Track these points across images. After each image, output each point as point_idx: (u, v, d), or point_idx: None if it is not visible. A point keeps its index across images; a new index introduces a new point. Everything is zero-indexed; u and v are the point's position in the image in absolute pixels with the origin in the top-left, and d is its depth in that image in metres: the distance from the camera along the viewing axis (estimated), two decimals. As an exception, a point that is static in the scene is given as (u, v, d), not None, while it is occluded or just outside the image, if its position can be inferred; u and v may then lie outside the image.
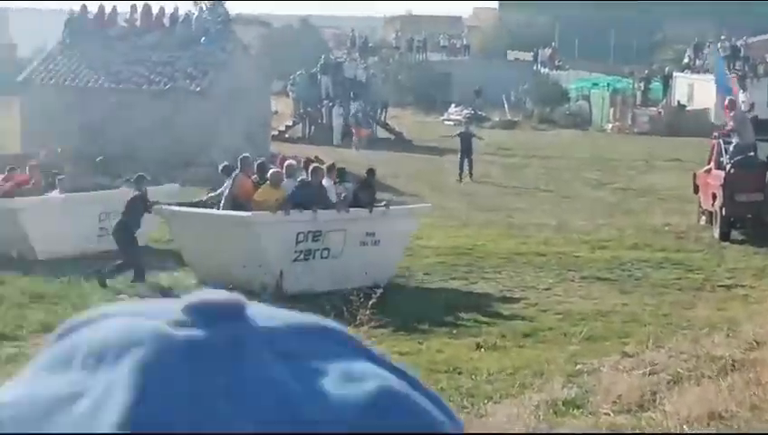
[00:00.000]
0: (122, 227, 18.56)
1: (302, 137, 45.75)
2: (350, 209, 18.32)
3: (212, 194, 19.19)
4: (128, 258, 18.36)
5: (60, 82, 36.40)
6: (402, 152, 41.45)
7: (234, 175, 18.50)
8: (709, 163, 24.99)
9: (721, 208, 23.22)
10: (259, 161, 19.12)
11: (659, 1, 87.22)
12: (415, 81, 61.64)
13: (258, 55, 48.92)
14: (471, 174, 34.37)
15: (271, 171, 18.40)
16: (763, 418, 9.94)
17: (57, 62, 37.10)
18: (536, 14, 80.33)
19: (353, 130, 43.89)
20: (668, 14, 76.53)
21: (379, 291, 12.29)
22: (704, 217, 25.15)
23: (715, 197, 23.70)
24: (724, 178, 23.14)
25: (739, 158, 23.43)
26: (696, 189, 25.76)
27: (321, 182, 18.26)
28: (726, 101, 25.66)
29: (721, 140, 24.66)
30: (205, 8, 40.46)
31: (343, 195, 18.54)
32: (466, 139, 35.12)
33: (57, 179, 21.14)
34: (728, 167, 23.38)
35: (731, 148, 23.84)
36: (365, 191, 19.11)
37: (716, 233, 23.44)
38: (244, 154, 19.41)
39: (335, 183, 18.79)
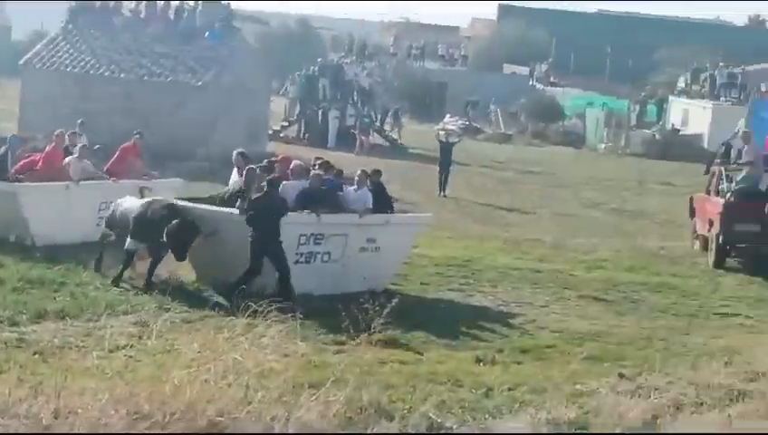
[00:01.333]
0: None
1: (297, 138, 45.74)
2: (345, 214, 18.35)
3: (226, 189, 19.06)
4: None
5: (61, 67, 36.35)
6: (396, 159, 41.42)
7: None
8: (709, 189, 25.11)
9: (718, 236, 23.34)
10: (263, 163, 19.04)
11: (655, 22, 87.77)
12: (411, 88, 61.67)
13: (259, 53, 48.73)
14: (445, 190, 33.62)
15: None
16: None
17: (60, 48, 37.04)
18: (534, 27, 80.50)
19: (356, 135, 43.86)
20: (664, 36, 76.79)
21: (395, 300, 12.29)
22: (698, 242, 25.26)
23: (712, 223, 23.85)
24: (724, 207, 23.28)
25: (741, 187, 23.55)
26: (693, 213, 25.94)
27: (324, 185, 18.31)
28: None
29: (723, 168, 24.74)
30: (208, 3, 40.43)
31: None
32: (446, 151, 34.75)
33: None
34: (729, 195, 23.53)
35: (738, 177, 23.93)
36: (379, 194, 19.13)
37: (711, 260, 23.58)
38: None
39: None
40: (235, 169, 19.07)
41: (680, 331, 17.18)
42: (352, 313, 12.78)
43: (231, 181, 19.06)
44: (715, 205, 23.98)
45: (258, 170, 18.24)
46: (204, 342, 10.84)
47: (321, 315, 15.51)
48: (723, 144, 26.33)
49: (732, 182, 23.89)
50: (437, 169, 34.43)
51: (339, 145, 43.27)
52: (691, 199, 26.27)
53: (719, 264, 23.27)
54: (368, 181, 18.98)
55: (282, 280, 16.87)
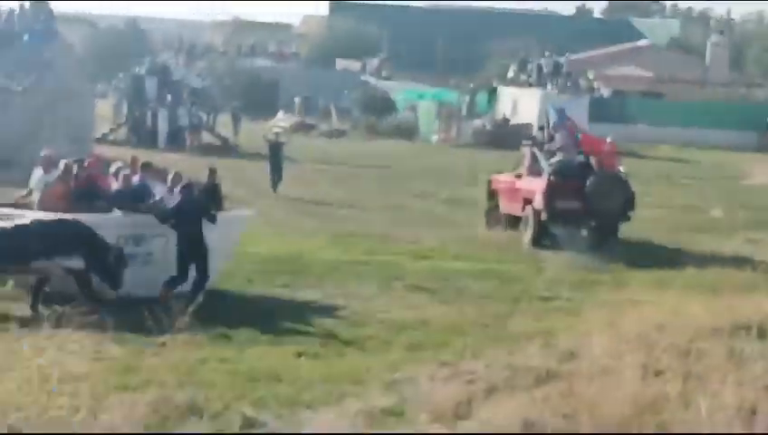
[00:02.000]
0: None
1: (127, 140, 45.14)
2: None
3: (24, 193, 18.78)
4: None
5: None
6: (228, 158, 41.18)
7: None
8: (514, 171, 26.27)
9: (538, 214, 24.08)
10: (65, 163, 18.67)
11: (484, 14, 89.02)
12: (242, 86, 61.36)
13: (83, 55, 47.99)
14: (276, 187, 33.64)
15: (64, 164, 18.15)
16: (575, 427, 10.13)
17: None
18: (365, 23, 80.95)
19: (186, 135, 43.53)
20: (494, 28, 77.88)
21: (199, 299, 12.13)
22: (496, 223, 26.30)
23: (527, 202, 24.64)
24: (547, 185, 24.07)
25: (559, 166, 24.51)
26: (492, 195, 26.75)
27: (144, 184, 18.08)
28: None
29: (535, 148, 25.62)
30: (27, 5, 39.65)
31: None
32: (276, 149, 34.71)
33: None
34: (549, 174, 24.35)
35: (554, 159, 24.78)
36: (210, 193, 18.98)
37: (527, 238, 24.36)
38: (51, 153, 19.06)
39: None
40: (39, 169, 18.74)
41: (503, 316, 17.36)
42: (156, 313, 12.58)
43: (33, 181, 18.74)
44: (533, 184, 24.80)
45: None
46: (7, 349, 10.55)
47: (135, 317, 15.26)
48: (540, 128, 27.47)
49: (548, 163, 24.81)
50: (268, 167, 34.36)
51: (170, 145, 42.84)
52: (489, 182, 27.19)
53: (537, 241, 24.12)
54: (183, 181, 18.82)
55: (198, 285, 16.70)
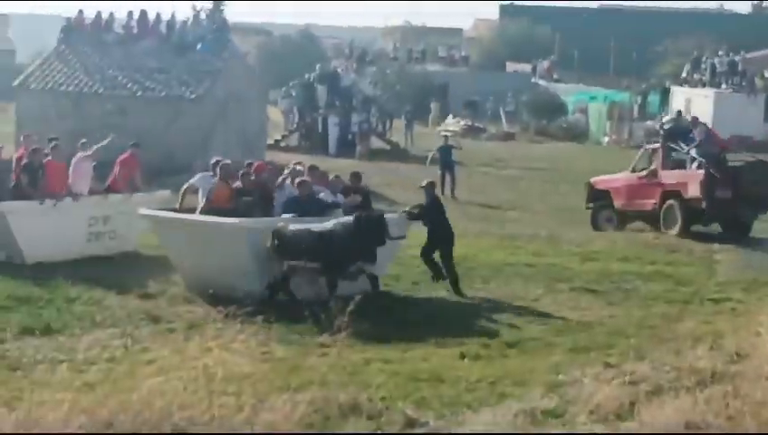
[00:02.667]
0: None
1: (298, 146, 45.69)
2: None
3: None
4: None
5: (56, 87, 36.48)
6: (397, 162, 41.44)
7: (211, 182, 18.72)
8: (632, 168, 27.39)
9: (684, 205, 25.18)
10: (222, 163, 19.06)
11: (658, 14, 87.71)
12: (412, 91, 61.55)
13: (256, 64, 48.71)
14: (453, 193, 33.49)
15: (221, 165, 18.59)
16: (738, 429, 9.91)
17: (53, 68, 37.18)
18: (536, 25, 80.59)
19: (356, 141, 43.90)
20: (667, 28, 76.67)
21: (358, 297, 12.22)
22: (606, 223, 27.15)
23: (666, 196, 25.65)
24: (705, 175, 25.02)
25: (709, 157, 25.54)
26: (593, 197, 27.59)
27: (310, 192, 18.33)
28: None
29: (667, 145, 26.58)
30: (204, 15, 40.51)
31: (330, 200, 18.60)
32: (446, 153, 34.70)
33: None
34: (703, 166, 25.32)
35: (695, 152, 25.95)
36: (354, 195, 19.19)
37: (675, 231, 25.38)
38: (223, 161, 19.45)
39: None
40: (205, 175, 19.27)
41: (671, 318, 17.09)
42: (317, 314, 12.73)
43: (194, 180, 19.43)
44: (679, 176, 25.72)
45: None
46: (174, 349, 10.77)
47: (298, 318, 15.47)
48: (662, 127, 28.11)
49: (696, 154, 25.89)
50: (439, 171, 34.31)
51: (340, 151, 43.22)
52: (590, 184, 28.03)
53: (686, 231, 25.17)
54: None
55: (453, 283, 18.66)
